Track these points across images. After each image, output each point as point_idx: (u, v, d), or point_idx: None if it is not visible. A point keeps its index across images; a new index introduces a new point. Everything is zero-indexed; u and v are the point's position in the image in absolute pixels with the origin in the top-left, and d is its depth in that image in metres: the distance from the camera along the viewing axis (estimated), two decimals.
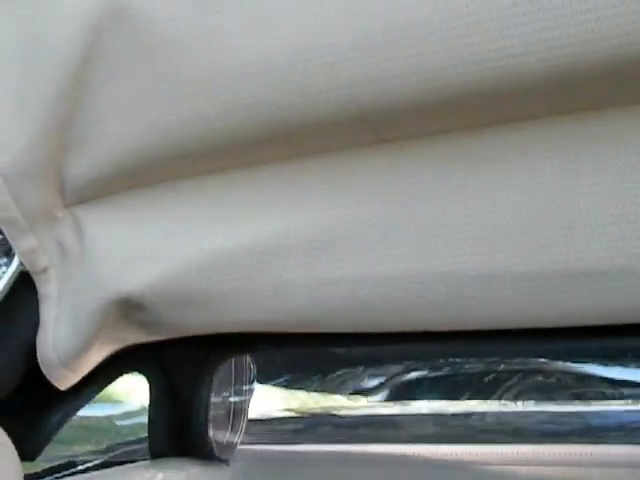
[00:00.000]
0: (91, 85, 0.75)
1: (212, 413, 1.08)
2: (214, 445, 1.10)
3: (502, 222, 0.64)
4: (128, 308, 0.82)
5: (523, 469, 1.03)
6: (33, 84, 0.77)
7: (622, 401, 1.28)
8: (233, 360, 1.13)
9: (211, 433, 1.09)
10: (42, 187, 0.81)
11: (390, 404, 1.28)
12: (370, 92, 0.62)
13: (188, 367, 1.12)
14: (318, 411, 1.44)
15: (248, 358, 1.16)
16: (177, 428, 1.11)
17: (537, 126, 0.64)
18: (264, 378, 1.30)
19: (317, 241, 0.71)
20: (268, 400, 1.17)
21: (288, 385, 1.43)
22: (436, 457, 1.08)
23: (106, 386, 1.00)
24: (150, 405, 1.10)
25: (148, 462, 1.12)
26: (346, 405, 1.72)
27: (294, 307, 0.73)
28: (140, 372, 1.06)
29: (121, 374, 1.02)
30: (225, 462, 1.13)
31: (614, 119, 0.62)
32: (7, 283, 0.87)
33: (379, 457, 1.11)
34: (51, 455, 1.19)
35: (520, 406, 1.34)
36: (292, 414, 1.22)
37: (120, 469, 1.06)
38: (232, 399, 1.16)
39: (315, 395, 1.58)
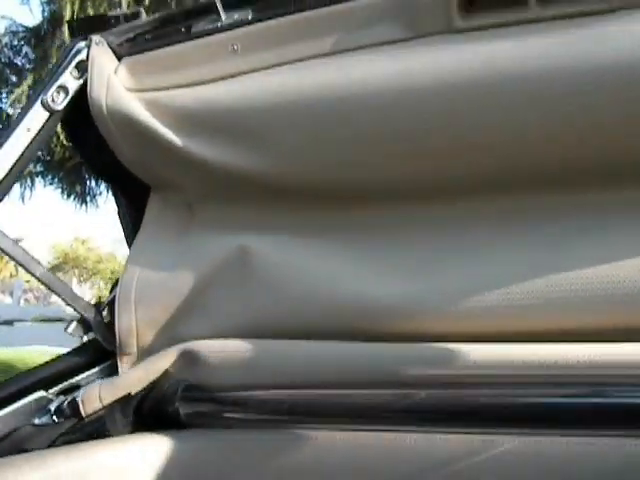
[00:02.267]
0: (217, 277, 1.19)
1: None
2: (183, 416, 1.17)
3: None
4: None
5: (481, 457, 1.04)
6: (181, 273, 1.21)
7: None
8: None
9: (180, 404, 1.18)
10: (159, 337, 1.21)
11: None
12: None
13: None
14: None
15: None
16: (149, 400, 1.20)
17: None
18: None
19: None
20: None
21: None
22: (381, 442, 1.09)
23: None
24: None
25: (115, 437, 1.14)
26: None
27: None
28: None
29: None
30: (193, 430, 1.15)
31: None
32: None
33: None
34: None
35: None
36: None
37: (102, 442, 1.13)
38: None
39: None
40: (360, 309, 1.11)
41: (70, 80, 1.23)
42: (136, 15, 1.32)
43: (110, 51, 1.25)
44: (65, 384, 1.22)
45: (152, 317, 1.21)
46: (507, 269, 1.08)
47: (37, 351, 11.00)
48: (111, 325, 1.24)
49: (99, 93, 1.21)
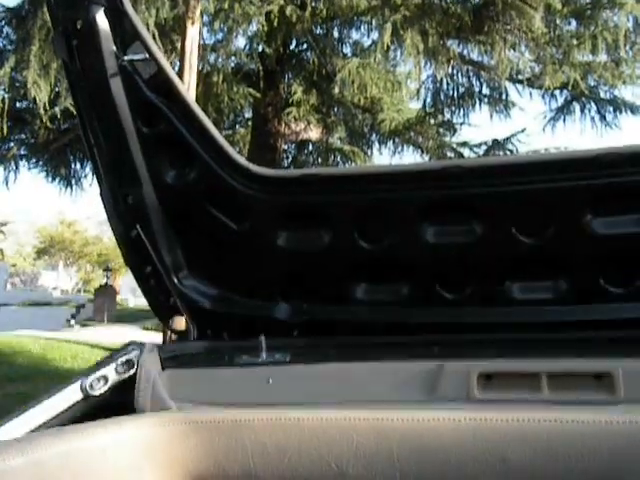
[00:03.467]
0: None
1: None
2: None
3: None
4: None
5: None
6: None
7: None
8: None
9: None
10: None
11: None
12: None
13: None
14: None
15: None
16: None
17: None
18: None
19: None
20: None
21: None
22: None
23: None
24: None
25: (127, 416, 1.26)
26: None
27: None
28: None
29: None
30: (173, 412, 1.29)
31: None
32: None
33: None
34: None
35: None
36: None
37: (82, 427, 1.18)
38: None
39: None
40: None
41: (113, 373, 1.38)
42: None
43: (158, 359, 1.45)
44: None
45: None
46: None
47: (24, 335, 10.95)
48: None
49: (145, 391, 1.38)
